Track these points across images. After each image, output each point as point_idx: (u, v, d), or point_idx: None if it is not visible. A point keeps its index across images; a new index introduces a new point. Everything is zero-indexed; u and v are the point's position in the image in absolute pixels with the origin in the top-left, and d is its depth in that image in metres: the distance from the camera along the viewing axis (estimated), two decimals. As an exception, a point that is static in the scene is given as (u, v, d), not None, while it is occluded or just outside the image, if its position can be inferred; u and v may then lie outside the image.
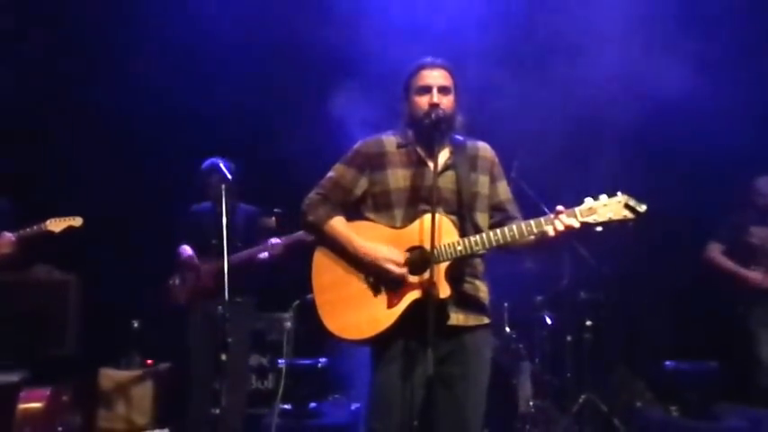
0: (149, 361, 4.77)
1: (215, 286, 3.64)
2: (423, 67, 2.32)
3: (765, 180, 4.31)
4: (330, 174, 2.38)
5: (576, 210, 2.09)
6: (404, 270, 2.17)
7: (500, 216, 2.36)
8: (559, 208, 2.10)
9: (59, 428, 3.72)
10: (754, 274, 4.25)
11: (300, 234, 3.68)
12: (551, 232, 2.09)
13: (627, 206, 2.05)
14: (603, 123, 4.66)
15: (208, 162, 3.89)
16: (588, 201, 2.10)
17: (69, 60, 4.84)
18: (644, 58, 4.47)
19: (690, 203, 4.69)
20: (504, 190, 2.40)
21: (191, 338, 3.80)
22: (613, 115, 4.57)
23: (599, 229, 2.08)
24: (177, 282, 3.89)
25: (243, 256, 3.73)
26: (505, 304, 4.32)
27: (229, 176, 3.64)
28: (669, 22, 4.50)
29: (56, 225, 3.69)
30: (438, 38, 4.32)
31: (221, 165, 3.74)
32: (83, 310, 4.62)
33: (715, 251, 4.39)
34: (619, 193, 2.07)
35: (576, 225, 2.07)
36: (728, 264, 4.34)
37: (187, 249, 3.86)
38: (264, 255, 3.75)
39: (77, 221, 3.73)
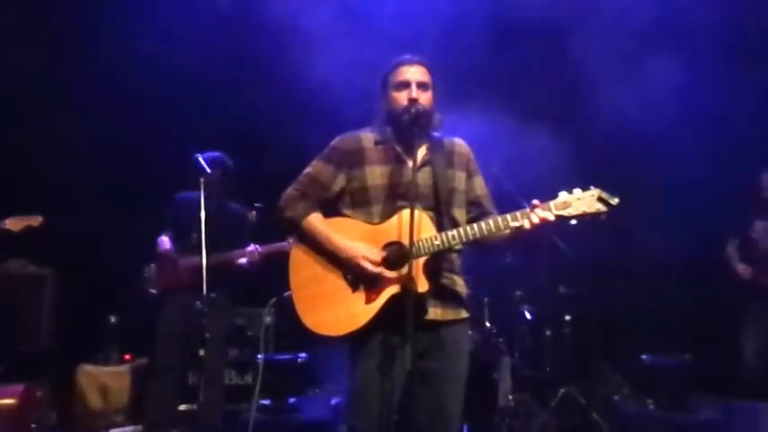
0: (127, 356, 4.72)
1: (191, 281, 3.60)
2: (401, 63, 2.32)
3: None
4: (308, 170, 2.37)
5: (551, 203, 2.11)
6: (380, 269, 2.17)
7: (476, 211, 2.36)
8: (535, 202, 2.12)
9: (33, 425, 3.67)
10: (740, 267, 4.32)
11: (283, 245, 3.63)
12: (527, 225, 2.10)
13: (600, 199, 2.08)
14: (585, 117, 4.69)
15: (208, 155, 3.79)
16: (563, 194, 2.12)
17: (44, 46, 4.74)
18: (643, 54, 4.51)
19: (669, 200, 4.74)
20: (480, 185, 2.41)
21: (160, 332, 3.74)
22: (597, 108, 4.60)
23: (573, 222, 2.10)
24: (153, 271, 3.83)
25: (223, 258, 3.66)
26: (485, 299, 4.34)
27: (208, 170, 3.59)
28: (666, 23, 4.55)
29: (14, 224, 3.56)
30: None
31: (200, 158, 3.68)
32: (59, 304, 4.56)
33: (731, 247, 4.44)
34: (592, 187, 2.10)
35: (551, 218, 2.09)
36: (731, 257, 4.40)
37: (165, 242, 3.79)
38: (243, 260, 3.70)
39: (36, 220, 3.60)
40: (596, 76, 4.49)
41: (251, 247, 3.68)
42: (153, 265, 3.84)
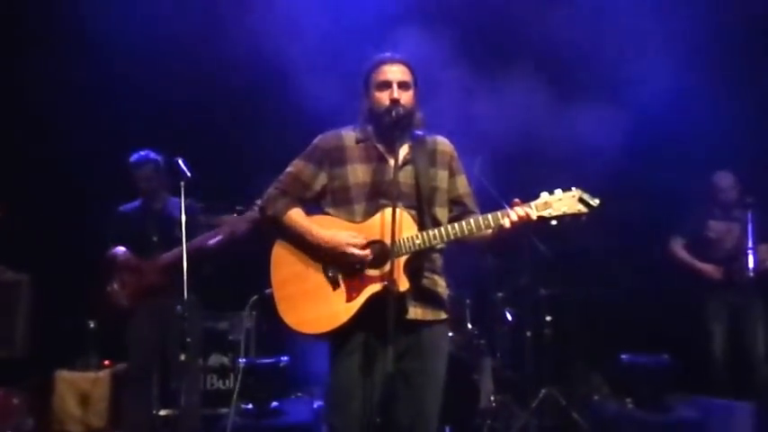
0: (107, 361, 4.65)
1: (161, 283, 3.56)
2: (382, 62, 2.32)
3: (723, 175, 4.43)
4: (289, 169, 2.37)
5: (532, 204, 2.14)
6: (366, 252, 2.16)
7: (459, 210, 2.38)
8: (516, 200, 2.15)
9: (9, 432, 3.61)
10: (708, 267, 4.39)
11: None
12: (507, 224, 2.12)
13: (581, 200, 2.11)
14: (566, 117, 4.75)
15: (136, 155, 3.78)
16: (544, 195, 2.14)
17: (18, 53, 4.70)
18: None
19: (648, 200, 4.81)
20: (462, 184, 2.42)
21: (132, 338, 3.69)
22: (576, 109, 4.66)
23: (554, 222, 2.12)
24: (116, 286, 3.75)
25: (190, 245, 3.52)
26: (467, 301, 4.37)
27: (189, 174, 3.57)
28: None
29: None
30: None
31: (180, 162, 3.67)
32: (37, 310, 4.49)
33: (676, 245, 4.52)
34: (573, 188, 2.13)
35: (533, 216, 2.11)
36: (686, 257, 4.47)
37: (122, 250, 3.74)
38: (214, 240, 3.61)
39: None
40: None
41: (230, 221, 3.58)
42: (114, 282, 3.75)
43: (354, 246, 2.17)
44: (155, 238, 3.60)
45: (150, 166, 3.75)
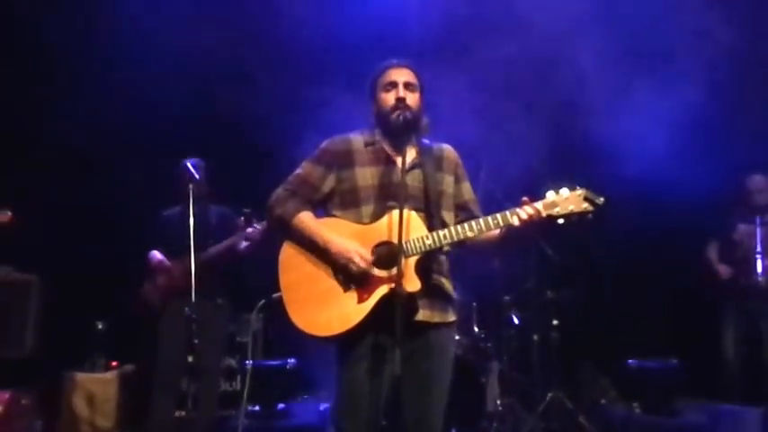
0: (114, 363, 4.67)
1: (189, 284, 3.59)
2: (389, 66, 2.37)
3: (754, 178, 4.43)
4: (298, 171, 2.39)
5: (540, 203, 2.15)
6: (369, 265, 2.17)
7: (465, 215, 2.39)
8: (525, 198, 2.16)
9: (19, 433, 3.62)
10: (721, 268, 4.38)
11: None
12: (517, 222, 2.13)
13: (586, 199, 2.13)
14: (570, 121, 4.74)
15: (184, 161, 3.83)
16: (550, 194, 2.15)
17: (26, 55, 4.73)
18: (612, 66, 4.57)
19: (654, 205, 4.79)
20: (468, 190, 2.45)
21: (162, 338, 3.73)
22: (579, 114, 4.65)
23: (561, 221, 2.13)
24: (150, 287, 3.82)
25: (220, 247, 3.66)
26: (474, 304, 4.37)
27: (197, 176, 3.60)
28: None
29: None
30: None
31: (189, 164, 3.70)
32: (45, 311, 4.51)
33: (710, 249, 4.51)
34: (578, 187, 2.14)
35: (543, 213, 2.12)
36: (710, 259, 4.46)
37: (156, 254, 3.81)
38: (244, 244, 3.67)
39: (5, 217, 3.48)
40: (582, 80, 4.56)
41: (250, 228, 3.64)
42: (146, 284, 3.82)
43: (360, 255, 2.17)
44: (187, 243, 3.63)
45: (188, 174, 3.77)
